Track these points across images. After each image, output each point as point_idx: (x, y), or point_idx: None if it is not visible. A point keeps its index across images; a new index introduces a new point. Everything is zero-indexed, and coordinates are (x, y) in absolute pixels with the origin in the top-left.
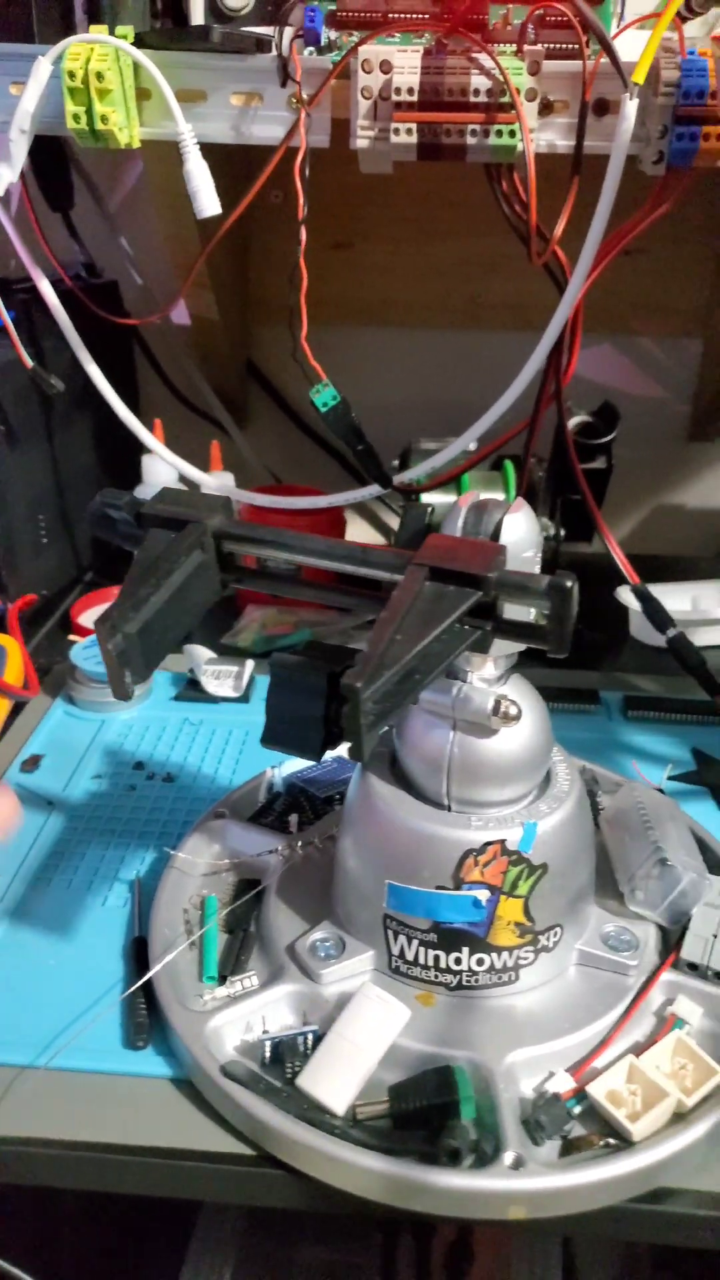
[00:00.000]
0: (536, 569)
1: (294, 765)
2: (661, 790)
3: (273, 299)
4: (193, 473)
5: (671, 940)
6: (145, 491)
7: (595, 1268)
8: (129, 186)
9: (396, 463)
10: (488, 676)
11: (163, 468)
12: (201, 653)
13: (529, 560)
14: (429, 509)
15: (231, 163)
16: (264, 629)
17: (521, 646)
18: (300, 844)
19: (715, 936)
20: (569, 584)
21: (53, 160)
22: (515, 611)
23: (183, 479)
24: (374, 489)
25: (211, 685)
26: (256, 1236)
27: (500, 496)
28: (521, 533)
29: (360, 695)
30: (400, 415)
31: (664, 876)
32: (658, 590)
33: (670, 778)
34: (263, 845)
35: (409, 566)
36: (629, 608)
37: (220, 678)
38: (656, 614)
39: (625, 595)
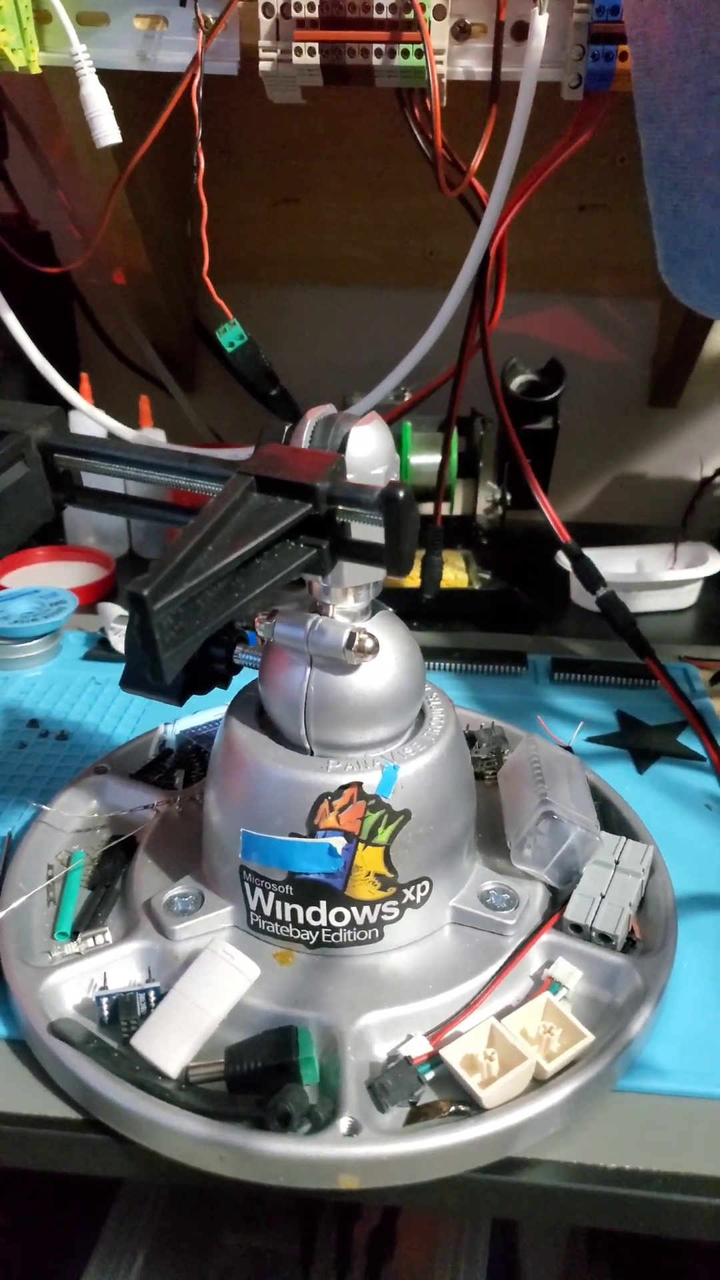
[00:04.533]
0: None
1: (189, 721)
2: (569, 748)
3: (220, 256)
4: (118, 428)
5: (562, 901)
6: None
7: (533, 1258)
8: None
9: None
10: (348, 610)
11: (88, 423)
12: (111, 610)
13: (378, 477)
14: (286, 426)
15: (146, 92)
16: None
17: (377, 574)
18: (177, 799)
19: (602, 896)
20: (400, 494)
21: None
22: (368, 534)
23: (110, 435)
24: None
25: (121, 644)
26: (175, 1220)
27: (437, 458)
28: (371, 448)
29: (149, 605)
30: (354, 374)
31: (552, 831)
32: (604, 553)
33: (591, 739)
34: (141, 801)
35: (234, 475)
36: (570, 572)
37: None
38: (587, 573)
39: (564, 558)
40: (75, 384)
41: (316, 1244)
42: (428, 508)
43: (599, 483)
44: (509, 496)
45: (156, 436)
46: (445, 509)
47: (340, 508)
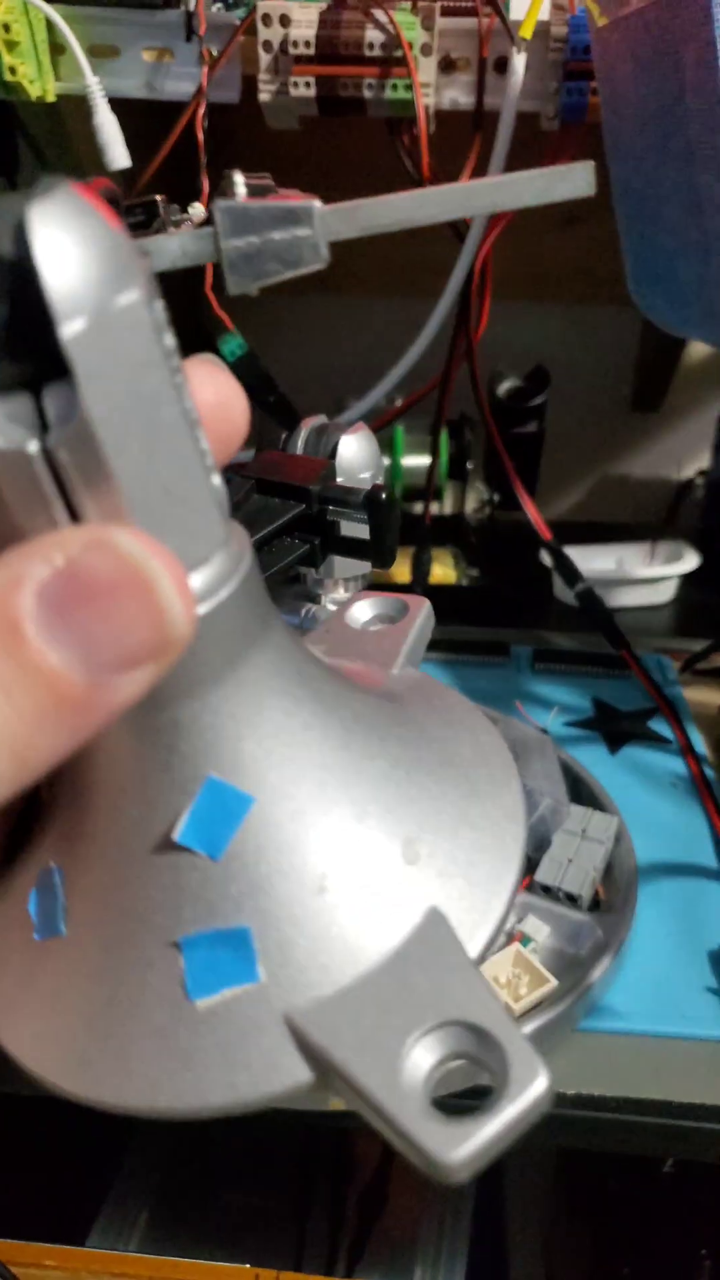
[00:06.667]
0: None
1: None
2: (545, 731)
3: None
4: None
5: (534, 866)
6: None
7: (517, 1221)
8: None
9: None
10: (338, 599)
11: None
12: None
13: (365, 480)
14: (284, 434)
15: (157, 119)
16: None
17: (364, 567)
18: None
19: (570, 861)
20: (383, 496)
21: None
22: (355, 531)
23: None
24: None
25: None
26: (177, 1181)
27: (428, 459)
28: (358, 454)
29: None
30: (349, 378)
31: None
32: (586, 551)
33: (568, 723)
34: None
35: (235, 478)
36: (552, 569)
37: None
38: (566, 570)
39: (546, 555)
40: None
41: (311, 1201)
42: (421, 507)
43: (585, 483)
44: (497, 497)
45: None
46: (436, 509)
47: (330, 508)
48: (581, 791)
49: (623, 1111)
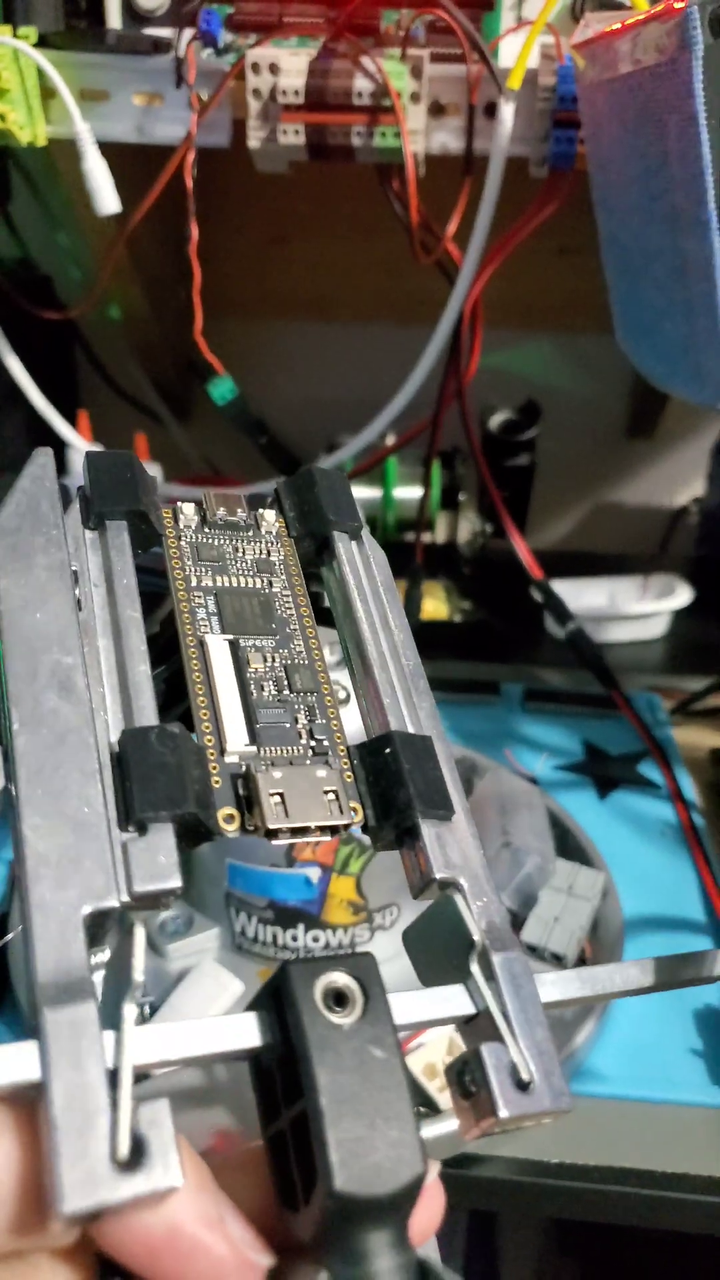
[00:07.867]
0: None
1: None
2: (534, 779)
3: (213, 294)
4: None
5: (520, 924)
6: (69, 483)
7: (509, 1253)
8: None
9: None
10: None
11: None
12: None
13: None
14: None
15: (149, 161)
16: None
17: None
18: None
19: (556, 920)
20: None
21: None
22: None
23: None
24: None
25: None
26: None
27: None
28: None
29: None
30: (342, 409)
31: (511, 861)
32: (577, 585)
33: (559, 767)
34: None
35: None
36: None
37: None
38: (556, 609)
39: (537, 594)
40: (74, 420)
41: None
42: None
43: (578, 512)
44: (489, 527)
45: (153, 470)
46: (429, 538)
47: None
48: (569, 843)
49: (607, 1182)
